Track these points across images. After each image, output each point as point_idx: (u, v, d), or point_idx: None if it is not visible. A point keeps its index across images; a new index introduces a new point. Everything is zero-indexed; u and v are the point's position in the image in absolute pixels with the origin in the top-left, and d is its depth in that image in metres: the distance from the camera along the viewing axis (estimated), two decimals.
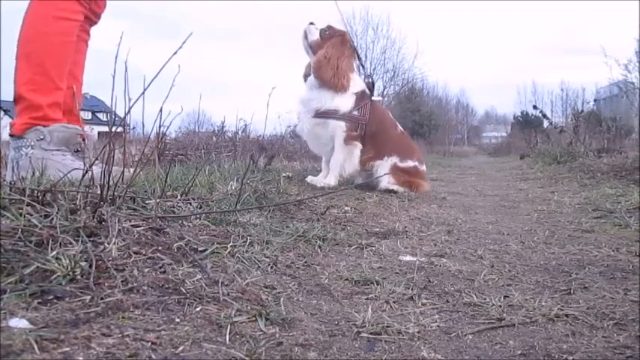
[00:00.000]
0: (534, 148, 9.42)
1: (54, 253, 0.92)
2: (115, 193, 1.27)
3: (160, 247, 1.11)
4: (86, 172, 1.28)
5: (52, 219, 1.06)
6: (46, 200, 1.15)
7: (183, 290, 0.94)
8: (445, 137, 23.03)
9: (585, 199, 2.93)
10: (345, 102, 2.99)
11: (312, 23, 3.14)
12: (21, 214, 1.02)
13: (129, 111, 1.31)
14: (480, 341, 0.91)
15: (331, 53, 2.97)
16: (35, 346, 0.66)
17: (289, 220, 1.82)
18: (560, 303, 1.09)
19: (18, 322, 0.71)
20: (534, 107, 11.41)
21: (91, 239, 1.03)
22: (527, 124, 21.92)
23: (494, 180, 5.19)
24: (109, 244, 1.03)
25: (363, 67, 3.50)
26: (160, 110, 1.45)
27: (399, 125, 3.30)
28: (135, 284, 0.92)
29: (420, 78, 23.65)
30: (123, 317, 0.80)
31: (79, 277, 0.88)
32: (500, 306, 1.06)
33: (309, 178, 3.05)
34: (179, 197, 1.62)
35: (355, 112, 3.01)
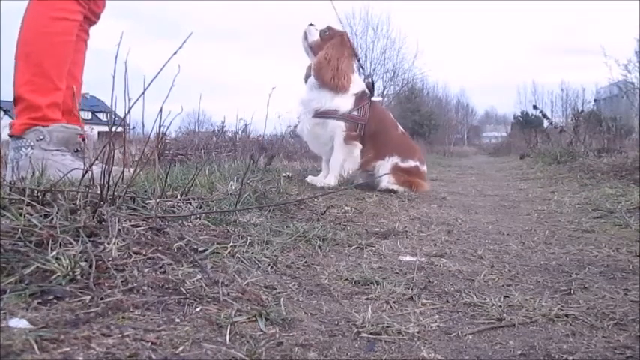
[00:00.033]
0: (534, 148, 9.42)
1: (54, 253, 0.92)
2: (115, 193, 1.27)
3: (159, 247, 1.11)
4: (86, 172, 1.28)
5: (52, 219, 1.06)
6: (46, 200, 1.15)
7: (183, 290, 0.94)
8: (445, 137, 23.02)
9: (585, 199, 2.93)
10: (344, 102, 2.99)
11: (311, 24, 3.15)
12: (21, 214, 1.02)
13: (129, 111, 1.31)
14: (480, 341, 0.91)
15: (331, 54, 2.98)
16: (35, 346, 0.66)
17: (289, 220, 1.82)
18: (560, 303, 1.09)
19: (18, 322, 0.71)
20: (534, 107, 11.42)
21: (91, 239, 1.03)
22: (527, 124, 21.91)
23: (494, 180, 5.19)
24: (109, 244, 1.03)
25: (362, 68, 3.50)
26: (160, 110, 1.46)
27: (399, 126, 3.30)
28: (135, 284, 0.92)
29: (420, 78, 23.65)
30: (123, 317, 0.80)
31: (79, 277, 0.88)
32: (500, 306, 1.06)
33: (309, 178, 3.05)
34: (179, 197, 1.62)
35: (355, 113, 3.01)
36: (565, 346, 0.88)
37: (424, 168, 3.25)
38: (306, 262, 1.35)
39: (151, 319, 0.82)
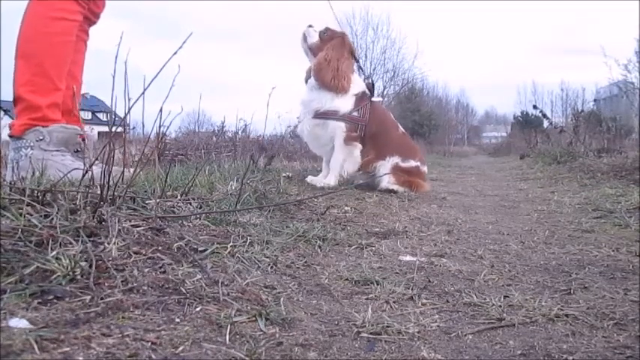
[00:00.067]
0: (534, 148, 9.42)
1: (54, 253, 0.92)
2: (115, 193, 1.27)
3: (160, 247, 1.11)
4: (86, 172, 1.28)
5: (52, 219, 1.06)
6: (46, 200, 1.15)
7: (183, 290, 0.94)
8: (445, 137, 23.03)
9: (585, 199, 2.93)
10: (345, 103, 3.00)
11: (310, 26, 3.15)
12: (21, 214, 1.02)
13: (129, 111, 1.31)
14: (480, 341, 0.91)
15: (331, 55, 2.99)
16: (35, 346, 0.66)
17: (289, 220, 1.82)
18: (560, 303, 1.09)
19: (18, 322, 0.71)
20: (534, 107, 11.41)
21: (91, 239, 1.03)
22: (527, 124, 21.91)
23: (494, 180, 5.19)
24: (109, 244, 1.03)
25: (361, 69, 3.51)
26: (160, 110, 1.46)
27: (400, 126, 3.31)
28: (135, 284, 0.92)
29: (420, 78, 23.65)
30: (123, 317, 0.80)
31: (79, 277, 0.88)
32: (500, 306, 1.06)
33: (309, 178, 3.05)
34: (179, 197, 1.62)
35: (355, 113, 3.02)
36: (565, 346, 0.88)
37: (424, 168, 3.25)
38: (306, 262, 1.35)
39: (151, 319, 0.82)
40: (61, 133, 2.07)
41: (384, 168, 3.04)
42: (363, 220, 2.11)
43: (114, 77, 1.26)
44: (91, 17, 2.27)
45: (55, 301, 0.81)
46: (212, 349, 0.76)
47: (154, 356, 0.70)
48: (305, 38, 3.15)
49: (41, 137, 2.03)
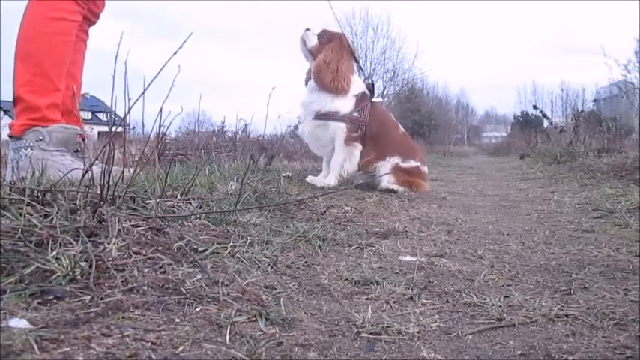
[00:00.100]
0: (534, 148, 9.42)
1: (54, 253, 0.92)
2: (115, 193, 1.27)
3: (160, 247, 1.11)
4: (86, 172, 1.28)
5: (52, 219, 1.06)
6: (46, 200, 1.15)
7: (183, 290, 0.94)
8: (445, 137, 23.03)
9: (585, 199, 2.93)
10: (345, 104, 3.00)
11: (308, 29, 3.15)
12: (21, 214, 1.02)
13: (129, 111, 1.31)
14: (480, 341, 0.91)
15: (331, 57, 2.99)
16: (35, 346, 0.66)
17: (289, 220, 1.82)
18: (560, 303, 1.09)
19: (18, 322, 0.71)
20: (534, 107, 11.41)
21: (91, 239, 1.03)
22: (527, 124, 21.91)
23: (494, 180, 5.19)
24: (109, 244, 1.03)
25: (361, 69, 3.51)
26: (160, 110, 1.46)
27: (400, 126, 3.31)
28: (135, 284, 0.91)
29: (420, 78, 23.64)
30: (123, 317, 0.80)
31: (79, 277, 0.88)
32: (500, 306, 1.06)
33: (309, 178, 3.05)
34: (179, 197, 1.62)
35: (355, 114, 3.02)
36: (565, 346, 0.88)
37: (425, 168, 3.25)
38: (306, 262, 1.35)
39: (151, 319, 0.82)
40: (61, 134, 2.07)
41: (385, 168, 3.04)
42: (363, 220, 2.11)
43: (114, 77, 1.26)
44: (90, 17, 2.27)
45: (55, 301, 0.81)
46: (212, 349, 0.76)
47: (153, 356, 0.70)
48: (304, 42, 3.16)
49: (41, 137, 2.03)
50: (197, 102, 4.07)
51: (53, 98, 2.08)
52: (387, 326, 0.93)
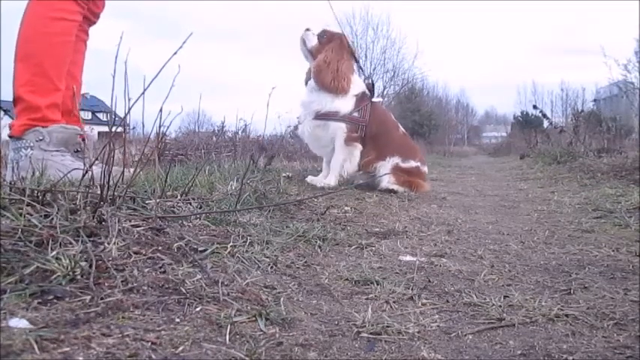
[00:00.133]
0: (534, 148, 9.42)
1: (54, 253, 0.92)
2: (115, 193, 1.27)
3: (160, 247, 1.11)
4: (86, 172, 1.28)
5: (52, 219, 1.06)
6: (46, 200, 1.15)
7: (183, 290, 0.94)
8: (445, 137, 23.03)
9: (585, 199, 2.93)
10: (345, 104, 3.00)
11: (308, 29, 3.15)
12: (21, 214, 1.02)
13: (129, 111, 1.31)
14: (480, 341, 0.91)
15: (331, 57, 2.99)
16: (35, 346, 0.66)
17: (289, 220, 1.82)
18: (560, 303, 1.09)
19: (18, 322, 0.71)
20: (534, 107, 11.41)
21: (91, 239, 1.03)
22: (527, 124, 21.91)
23: (494, 180, 5.19)
24: (109, 244, 1.03)
25: (361, 69, 3.51)
26: (160, 110, 1.46)
27: (400, 126, 3.31)
28: (135, 284, 0.91)
29: (420, 78, 23.65)
30: (123, 317, 0.80)
31: (79, 277, 0.88)
32: (500, 306, 1.06)
33: (309, 178, 3.05)
34: (179, 197, 1.62)
35: (356, 114, 3.02)
36: (565, 346, 0.88)
37: (425, 168, 3.26)
38: (306, 262, 1.35)
39: (151, 319, 0.82)
40: (61, 134, 2.07)
41: (385, 168, 3.04)
42: (363, 220, 2.11)
43: (114, 77, 1.26)
44: (90, 17, 2.27)
45: (55, 301, 0.81)
46: (212, 349, 0.76)
47: (153, 356, 0.70)
48: (304, 42, 3.16)
49: (41, 137, 2.03)
50: (197, 102, 4.07)
51: (53, 98, 2.08)
52: (387, 326, 0.93)
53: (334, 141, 3.00)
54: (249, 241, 1.38)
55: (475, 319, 1.02)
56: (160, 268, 1.03)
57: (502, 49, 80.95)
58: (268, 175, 2.68)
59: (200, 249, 1.22)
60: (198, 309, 0.89)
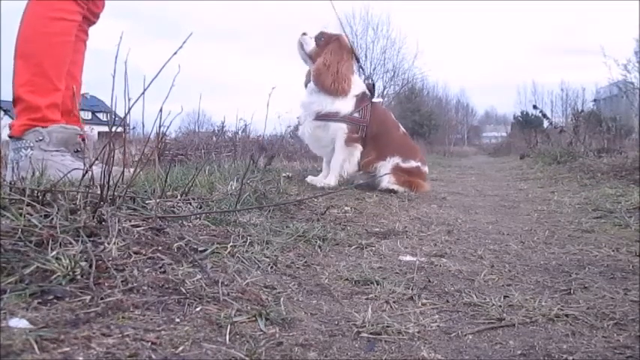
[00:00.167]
0: (534, 148, 9.42)
1: (54, 253, 0.92)
2: (115, 193, 1.27)
3: (160, 247, 1.11)
4: (86, 172, 1.28)
5: (52, 219, 1.06)
6: (46, 200, 1.15)
7: (183, 290, 0.94)
8: (445, 137, 23.04)
9: (585, 199, 2.93)
10: (345, 104, 3.00)
11: (304, 34, 3.14)
12: (21, 214, 1.02)
13: (129, 111, 1.31)
14: (480, 341, 0.91)
15: (330, 60, 2.99)
16: (35, 346, 0.66)
17: (289, 220, 1.82)
18: (560, 303, 1.09)
19: (18, 322, 0.71)
20: (534, 107, 11.41)
21: (91, 239, 1.03)
22: (527, 124, 21.91)
23: (494, 180, 5.19)
24: (109, 244, 1.03)
25: (362, 69, 3.51)
26: (160, 110, 1.46)
27: (401, 126, 3.31)
28: (135, 284, 0.91)
29: (420, 78, 23.63)
30: (123, 317, 0.80)
31: (79, 277, 0.88)
32: (500, 306, 1.06)
33: (309, 178, 3.05)
34: (179, 197, 1.62)
35: (356, 115, 3.02)
36: (565, 346, 0.88)
37: (425, 168, 3.25)
38: (306, 262, 1.35)
39: (151, 319, 0.82)
40: (61, 134, 2.07)
41: (385, 168, 3.04)
42: (363, 220, 2.11)
43: (114, 77, 1.26)
44: (90, 17, 2.27)
45: (55, 301, 0.81)
46: (212, 349, 0.76)
47: (153, 356, 0.70)
48: (301, 46, 3.15)
49: (41, 137, 2.03)
50: (197, 102, 4.08)
51: (53, 98, 2.08)
52: (387, 326, 0.93)
53: (334, 141, 3.00)
54: (249, 241, 1.38)
55: (475, 319, 1.02)
56: (160, 268, 1.03)
57: (502, 49, 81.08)
58: (268, 175, 2.68)
59: (200, 249, 1.22)
60: (198, 309, 0.89)
